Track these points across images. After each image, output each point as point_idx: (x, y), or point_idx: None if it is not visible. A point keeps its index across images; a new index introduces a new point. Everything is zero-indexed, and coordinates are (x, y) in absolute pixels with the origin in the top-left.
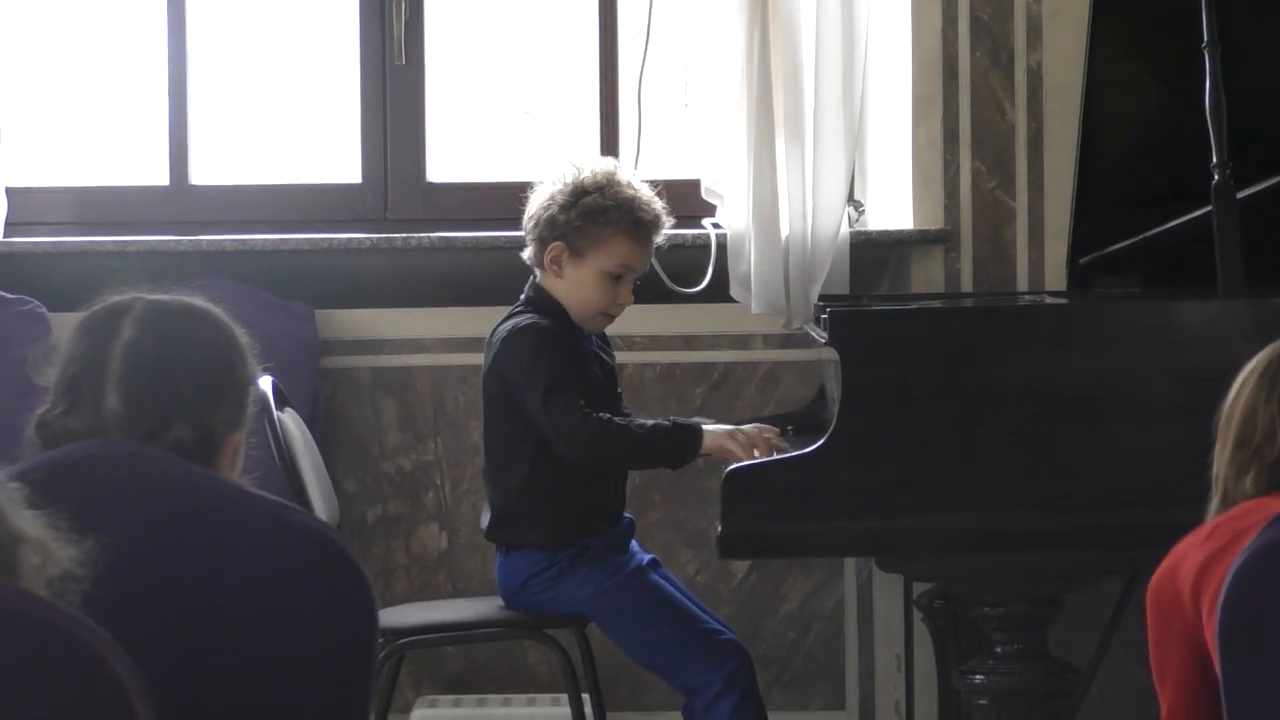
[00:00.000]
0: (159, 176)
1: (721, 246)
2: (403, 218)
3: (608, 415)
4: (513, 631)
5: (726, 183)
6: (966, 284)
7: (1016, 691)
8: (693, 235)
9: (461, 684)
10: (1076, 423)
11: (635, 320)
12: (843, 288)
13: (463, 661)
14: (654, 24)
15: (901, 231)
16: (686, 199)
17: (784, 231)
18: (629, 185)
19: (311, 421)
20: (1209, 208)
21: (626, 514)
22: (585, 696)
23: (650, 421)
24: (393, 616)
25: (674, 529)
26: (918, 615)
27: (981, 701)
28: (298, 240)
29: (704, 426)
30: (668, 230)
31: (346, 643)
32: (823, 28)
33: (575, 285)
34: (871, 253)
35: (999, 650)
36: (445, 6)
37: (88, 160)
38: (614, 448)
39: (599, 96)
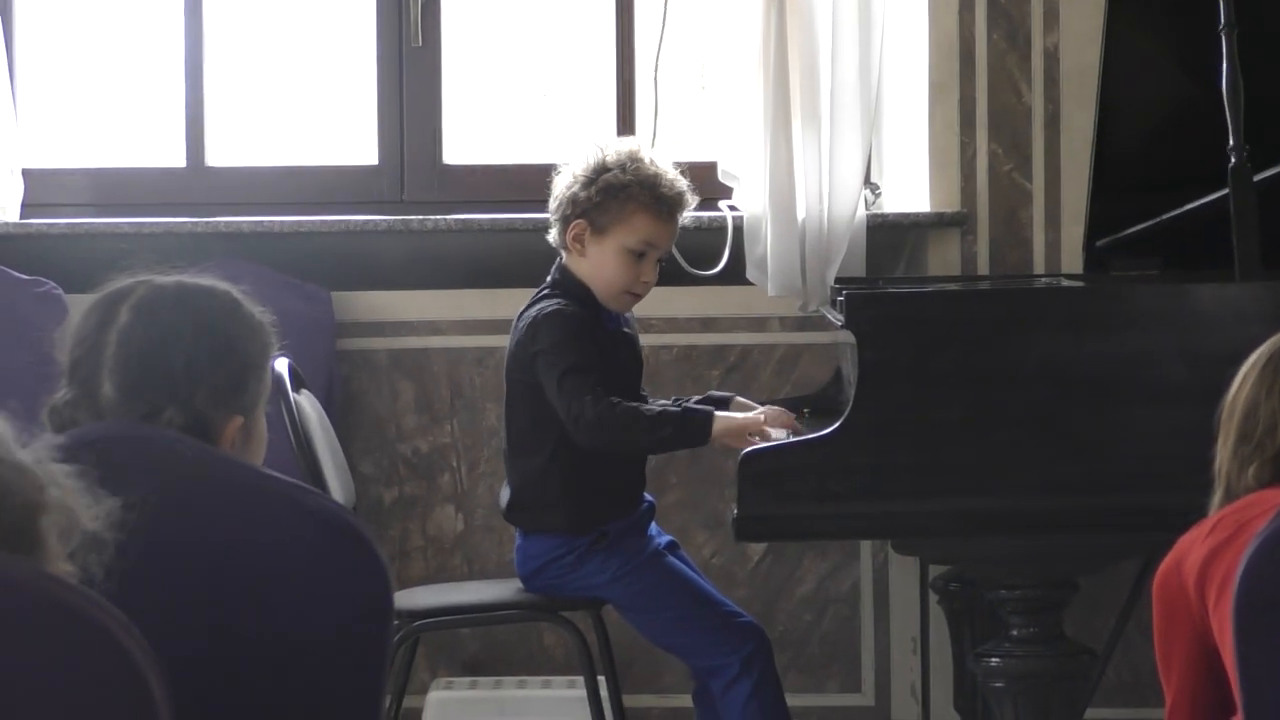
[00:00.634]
0: (175, 158)
1: (738, 229)
2: (419, 199)
3: (618, 399)
4: (528, 614)
5: (743, 165)
6: (983, 266)
7: (1032, 674)
8: (709, 217)
9: (477, 666)
10: (1093, 405)
11: (652, 302)
12: (859, 270)
13: (478, 643)
14: (670, 6)
15: (918, 214)
16: (703, 181)
17: (800, 214)
18: (651, 163)
19: (328, 403)
20: (1226, 190)
21: (648, 495)
22: (601, 679)
23: (659, 406)
24: (408, 598)
25: (690, 511)
26: (933, 598)
27: (997, 684)
28: (314, 222)
29: (718, 414)
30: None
31: (362, 624)
32: (839, 9)
33: (598, 263)
34: (888, 235)
35: (1015, 633)
36: None
37: (104, 142)
38: (621, 431)
39: (615, 78)
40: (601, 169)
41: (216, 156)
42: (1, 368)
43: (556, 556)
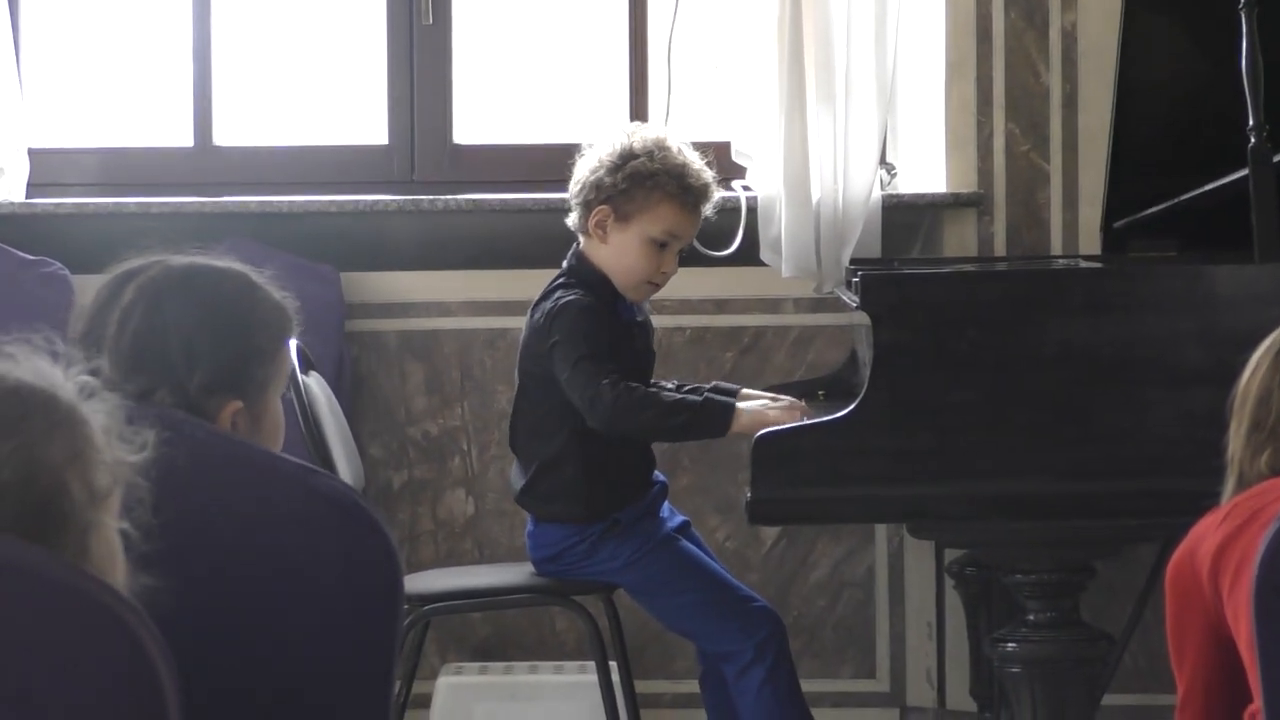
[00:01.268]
0: (183, 137)
1: (752, 210)
2: (430, 179)
3: (636, 384)
4: (540, 598)
5: (757, 145)
6: (999, 248)
7: (1049, 659)
8: (723, 198)
9: (488, 651)
10: (1110, 388)
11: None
12: (874, 251)
13: (489, 628)
14: None
15: (934, 195)
16: (717, 162)
17: (815, 194)
18: (679, 152)
19: (337, 385)
20: (1245, 171)
21: (660, 475)
22: (613, 664)
23: (676, 394)
24: (418, 582)
25: (703, 494)
26: (949, 582)
27: (1014, 669)
28: (323, 202)
29: (739, 405)
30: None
31: (371, 609)
32: None
33: (619, 252)
34: (903, 216)
35: (1031, 618)
36: None
37: (110, 121)
38: (638, 414)
39: (629, 57)
40: (629, 155)
41: (224, 136)
42: None
43: (570, 545)
